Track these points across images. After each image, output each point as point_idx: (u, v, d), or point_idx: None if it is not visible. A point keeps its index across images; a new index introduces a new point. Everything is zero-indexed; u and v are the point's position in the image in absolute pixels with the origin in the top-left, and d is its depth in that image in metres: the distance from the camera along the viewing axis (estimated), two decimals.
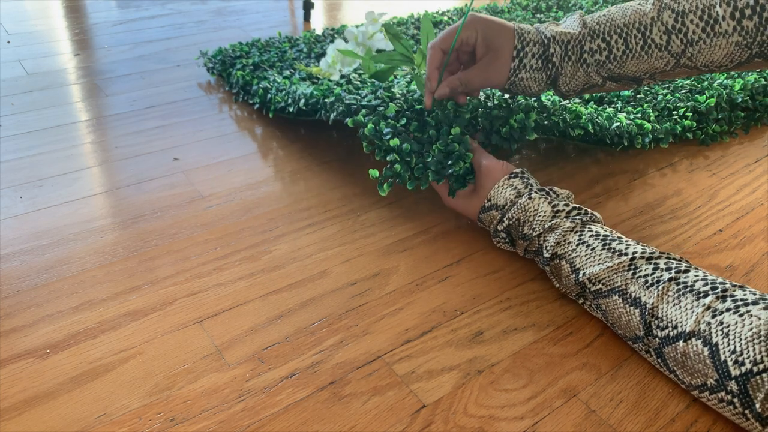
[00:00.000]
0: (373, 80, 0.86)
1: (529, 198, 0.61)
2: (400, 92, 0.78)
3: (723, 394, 0.46)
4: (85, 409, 0.49)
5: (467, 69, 0.71)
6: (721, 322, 0.47)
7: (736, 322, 0.46)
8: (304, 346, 0.55)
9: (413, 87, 0.80)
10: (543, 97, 0.84)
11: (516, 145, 0.71)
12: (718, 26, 0.61)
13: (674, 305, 0.50)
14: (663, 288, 0.51)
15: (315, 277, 0.64)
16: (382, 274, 0.64)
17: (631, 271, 0.54)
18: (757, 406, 0.44)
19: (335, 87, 0.81)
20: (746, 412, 0.45)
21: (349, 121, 0.73)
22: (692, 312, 0.49)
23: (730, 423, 0.49)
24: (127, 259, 0.66)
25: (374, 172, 0.68)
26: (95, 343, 0.55)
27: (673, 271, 0.52)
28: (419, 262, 0.66)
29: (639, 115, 0.88)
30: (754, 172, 0.84)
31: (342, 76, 0.95)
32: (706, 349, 0.47)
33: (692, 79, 1.00)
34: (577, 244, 0.58)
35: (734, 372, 0.45)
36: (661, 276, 0.52)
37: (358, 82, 0.88)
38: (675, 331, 0.49)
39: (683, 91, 0.96)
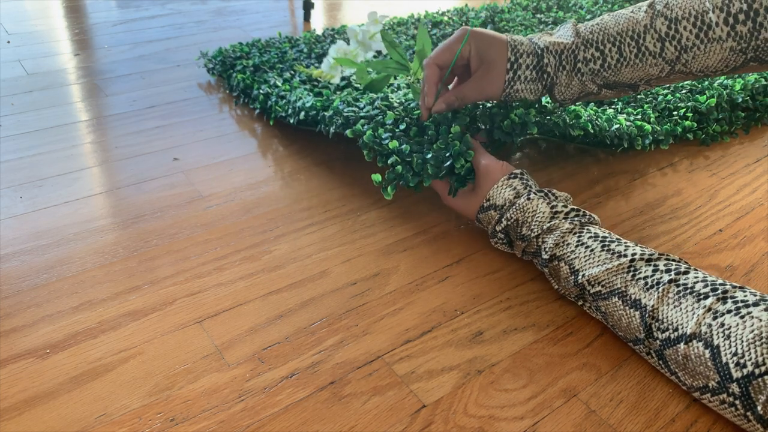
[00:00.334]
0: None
1: (528, 199, 0.61)
2: (398, 101, 0.78)
3: (725, 396, 0.46)
4: (85, 409, 0.49)
5: (462, 83, 0.71)
6: (722, 324, 0.47)
7: (737, 324, 0.46)
8: (304, 346, 0.55)
9: (410, 96, 0.80)
10: (542, 100, 0.84)
11: (518, 139, 0.71)
12: (712, 32, 0.61)
13: (675, 307, 0.50)
14: (663, 290, 0.51)
15: (315, 277, 0.64)
16: (382, 274, 0.64)
17: (631, 273, 0.53)
18: (759, 408, 0.44)
19: (334, 98, 0.82)
20: (748, 414, 0.45)
21: (348, 131, 0.73)
22: (693, 314, 0.48)
23: (730, 423, 0.49)
24: (127, 259, 0.66)
25: (377, 177, 0.69)
26: (95, 343, 0.55)
27: (672, 272, 0.52)
28: (419, 262, 0.66)
29: (639, 117, 0.88)
30: (754, 172, 0.84)
31: (342, 78, 0.95)
32: (707, 351, 0.47)
33: None
34: (576, 246, 0.58)
35: (736, 374, 0.45)
36: (661, 278, 0.52)
37: (359, 84, 0.88)
38: (676, 334, 0.49)
39: (684, 92, 0.96)
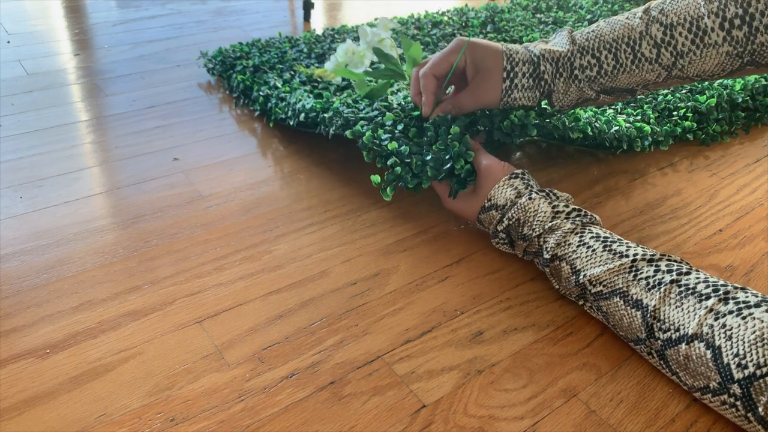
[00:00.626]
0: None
1: (530, 198, 0.61)
2: (397, 102, 0.79)
3: (726, 396, 0.46)
4: (85, 409, 0.49)
5: (458, 92, 0.71)
6: (724, 325, 0.47)
7: (739, 325, 0.46)
8: (304, 346, 0.55)
9: (409, 98, 0.80)
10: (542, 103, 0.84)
11: (518, 140, 0.72)
12: (708, 37, 0.61)
13: (676, 307, 0.50)
14: (665, 290, 0.51)
15: (315, 277, 0.64)
16: (382, 274, 0.64)
17: (633, 273, 0.53)
18: (760, 409, 0.44)
19: (334, 99, 0.82)
20: (749, 415, 0.45)
21: (348, 132, 0.73)
22: (694, 314, 0.48)
23: (730, 423, 0.49)
24: (127, 259, 0.66)
25: (376, 178, 0.69)
26: (95, 343, 0.55)
27: (674, 273, 0.52)
28: (419, 262, 0.66)
29: (639, 117, 0.88)
30: (754, 172, 0.84)
31: (344, 79, 0.95)
32: (708, 352, 0.47)
33: None
34: (578, 246, 0.58)
35: (737, 375, 0.45)
36: (663, 278, 0.52)
37: (359, 94, 0.88)
38: (677, 334, 0.49)
39: (683, 92, 0.96)
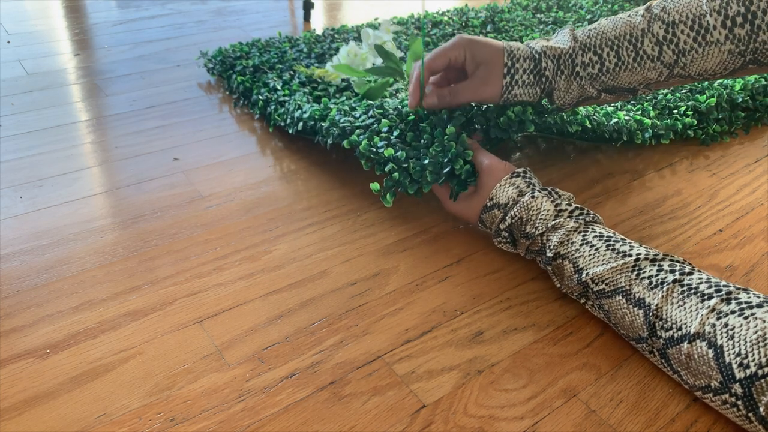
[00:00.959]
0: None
1: (532, 197, 0.61)
2: (393, 107, 0.79)
3: (727, 396, 0.46)
4: (85, 409, 0.49)
5: (458, 83, 0.71)
6: (726, 325, 0.47)
7: (741, 325, 0.46)
8: (304, 346, 0.55)
9: (406, 102, 0.80)
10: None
11: (516, 136, 0.72)
12: (710, 35, 0.61)
13: (679, 307, 0.50)
14: (667, 289, 0.51)
15: (315, 277, 0.64)
16: (382, 274, 0.64)
17: (635, 272, 0.54)
18: (761, 409, 0.44)
19: (332, 106, 0.82)
20: (750, 415, 0.45)
21: (345, 142, 0.74)
22: (697, 314, 0.49)
23: (731, 423, 0.49)
24: (127, 259, 0.66)
25: (375, 186, 0.69)
26: (95, 343, 0.55)
27: (677, 273, 0.52)
28: (419, 262, 0.66)
29: (639, 113, 0.88)
30: (754, 172, 0.84)
31: (343, 80, 0.95)
32: (710, 351, 0.47)
33: None
34: (581, 244, 0.58)
35: (739, 375, 0.45)
36: (666, 277, 0.52)
37: (357, 92, 0.88)
38: (679, 333, 0.49)
39: (683, 91, 0.96)
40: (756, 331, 0.45)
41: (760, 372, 0.44)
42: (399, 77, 0.77)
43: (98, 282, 0.62)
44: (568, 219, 0.60)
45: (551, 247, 0.60)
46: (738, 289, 0.50)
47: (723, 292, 0.49)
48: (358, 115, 0.78)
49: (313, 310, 0.59)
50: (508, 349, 0.55)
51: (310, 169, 0.84)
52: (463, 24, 1.29)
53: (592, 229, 0.59)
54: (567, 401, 0.50)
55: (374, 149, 0.71)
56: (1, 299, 0.60)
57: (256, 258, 0.66)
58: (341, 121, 0.77)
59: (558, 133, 0.77)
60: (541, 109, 0.74)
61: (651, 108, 0.89)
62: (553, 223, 0.60)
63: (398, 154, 0.69)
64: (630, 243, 0.57)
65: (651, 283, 0.52)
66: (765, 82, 0.97)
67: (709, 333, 0.47)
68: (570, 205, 0.61)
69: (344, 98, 0.89)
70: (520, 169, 0.65)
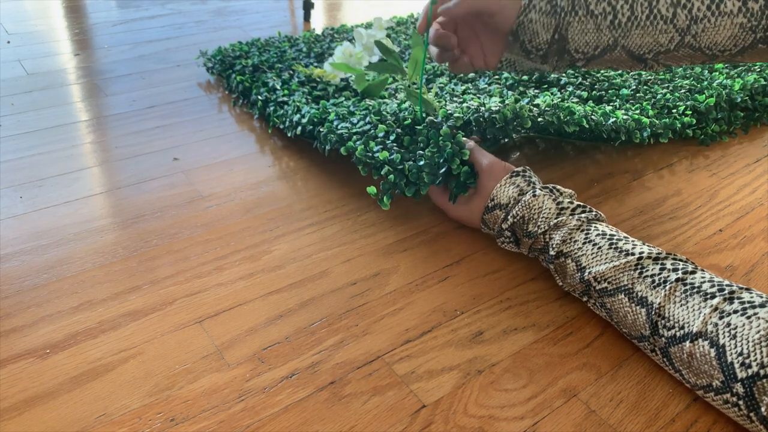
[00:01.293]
0: (365, 97, 0.87)
1: (534, 195, 0.61)
2: (391, 112, 0.79)
3: (728, 395, 0.46)
4: (85, 409, 0.49)
5: (473, 37, 0.68)
6: (729, 324, 0.47)
7: (744, 324, 0.46)
8: (304, 346, 0.55)
9: (404, 106, 0.80)
10: (539, 100, 0.84)
11: (513, 135, 0.71)
12: (723, 5, 0.61)
13: (681, 305, 0.50)
14: (670, 288, 0.51)
15: (315, 277, 0.64)
16: (382, 274, 0.64)
17: (638, 271, 0.54)
18: (763, 409, 0.44)
19: (331, 110, 0.82)
20: (751, 414, 0.45)
21: (342, 149, 0.74)
22: (699, 313, 0.49)
23: (731, 423, 0.49)
24: (127, 259, 0.66)
25: (372, 189, 0.69)
26: (95, 343, 0.55)
27: (680, 271, 0.52)
28: (419, 262, 0.66)
29: (638, 112, 0.88)
30: (754, 172, 0.84)
31: (342, 80, 0.95)
32: (712, 350, 0.47)
33: (692, 78, 1.00)
34: (584, 243, 0.58)
35: (741, 374, 0.45)
36: (668, 276, 0.52)
37: (356, 88, 0.88)
38: (682, 332, 0.49)
39: (682, 91, 0.96)
40: (758, 331, 0.45)
41: (762, 372, 0.44)
42: (400, 73, 0.77)
43: (98, 282, 0.62)
44: (570, 217, 0.60)
45: (554, 246, 0.60)
46: (741, 288, 0.50)
47: (726, 292, 0.49)
48: (355, 121, 0.79)
49: (313, 310, 0.59)
50: (508, 349, 0.55)
51: (310, 169, 0.84)
52: None
53: (595, 227, 0.59)
54: (567, 401, 0.51)
55: (370, 153, 0.71)
56: (1, 299, 0.60)
57: (256, 258, 0.66)
58: (339, 127, 0.77)
59: (556, 134, 0.77)
60: (537, 107, 0.73)
61: (649, 107, 0.89)
62: (556, 221, 0.60)
63: (393, 156, 0.69)
64: (633, 241, 0.57)
65: (654, 281, 0.52)
66: (764, 82, 0.97)
67: (712, 332, 0.47)
68: (572, 202, 0.61)
69: (343, 99, 0.89)
70: (520, 168, 0.65)
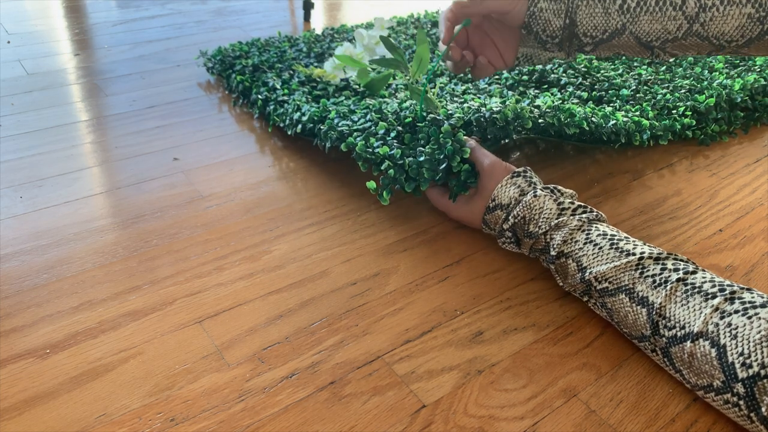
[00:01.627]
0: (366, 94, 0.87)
1: (535, 196, 0.61)
2: (391, 110, 0.79)
3: (729, 395, 0.46)
4: (85, 409, 0.49)
5: (484, 39, 0.68)
6: (729, 324, 0.47)
7: (744, 325, 0.46)
8: (304, 346, 0.55)
9: (405, 105, 0.80)
10: (539, 101, 0.84)
11: (514, 135, 0.71)
12: None
13: (682, 305, 0.50)
14: (671, 288, 0.51)
15: (315, 277, 0.64)
16: (382, 274, 0.64)
17: (639, 271, 0.54)
18: (764, 410, 0.44)
19: (331, 108, 0.82)
20: (752, 415, 0.45)
21: (342, 145, 0.74)
22: (700, 313, 0.49)
23: (730, 423, 0.49)
24: (127, 259, 0.66)
25: (371, 184, 0.69)
26: (95, 343, 0.55)
27: (681, 272, 0.52)
28: (419, 262, 0.66)
29: (637, 114, 0.88)
30: (754, 172, 0.84)
31: (342, 80, 0.95)
32: (713, 350, 0.47)
33: (692, 78, 1.00)
34: (585, 243, 0.58)
35: (741, 374, 0.45)
36: (669, 276, 0.52)
37: (359, 84, 0.88)
38: (682, 332, 0.49)
39: (682, 91, 0.96)
40: (759, 331, 0.45)
41: (762, 372, 0.44)
42: (404, 69, 0.77)
43: (98, 282, 0.62)
44: (571, 217, 0.60)
45: (555, 246, 0.60)
46: (742, 288, 0.50)
47: (727, 292, 0.49)
48: (356, 119, 0.79)
49: (313, 310, 0.59)
50: (508, 349, 0.55)
51: (310, 169, 0.84)
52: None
53: (596, 227, 0.59)
54: (567, 401, 0.51)
55: (370, 149, 0.71)
56: (1, 299, 0.60)
57: (256, 258, 0.66)
58: (339, 124, 0.77)
59: (556, 136, 0.77)
60: (538, 108, 0.73)
61: (649, 109, 0.89)
62: (557, 221, 0.60)
63: (393, 151, 0.69)
64: (634, 241, 0.57)
65: (654, 281, 0.52)
66: (764, 82, 0.97)
67: (712, 332, 0.47)
68: (573, 203, 0.61)
69: (343, 98, 0.89)
70: (521, 169, 0.65)
